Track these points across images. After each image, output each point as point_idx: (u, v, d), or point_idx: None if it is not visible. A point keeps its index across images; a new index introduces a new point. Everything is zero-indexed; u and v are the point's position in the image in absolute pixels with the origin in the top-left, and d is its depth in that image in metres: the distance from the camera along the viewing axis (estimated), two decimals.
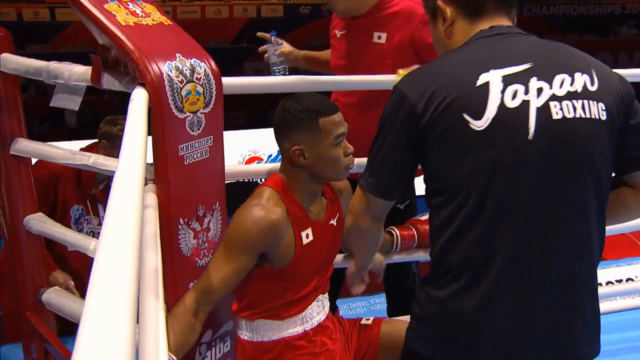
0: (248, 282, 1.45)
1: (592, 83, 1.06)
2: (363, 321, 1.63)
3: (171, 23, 1.50)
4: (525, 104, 1.01)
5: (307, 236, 1.44)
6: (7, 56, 1.75)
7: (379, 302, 2.59)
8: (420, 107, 1.04)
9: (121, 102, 1.48)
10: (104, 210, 2.33)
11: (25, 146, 1.82)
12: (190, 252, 1.47)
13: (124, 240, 0.68)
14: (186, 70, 1.37)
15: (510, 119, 1.01)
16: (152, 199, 1.36)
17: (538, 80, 1.03)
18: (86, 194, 2.34)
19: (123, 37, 1.34)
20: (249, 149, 5.02)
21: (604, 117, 1.05)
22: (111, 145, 2.22)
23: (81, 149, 2.22)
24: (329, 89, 1.77)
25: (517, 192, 1.02)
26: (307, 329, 1.51)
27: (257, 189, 1.45)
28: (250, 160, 4.90)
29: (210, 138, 1.46)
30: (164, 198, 1.38)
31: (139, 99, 1.24)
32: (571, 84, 1.04)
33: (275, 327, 1.48)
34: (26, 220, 1.90)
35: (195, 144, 1.42)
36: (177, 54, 1.38)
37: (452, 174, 1.05)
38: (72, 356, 0.47)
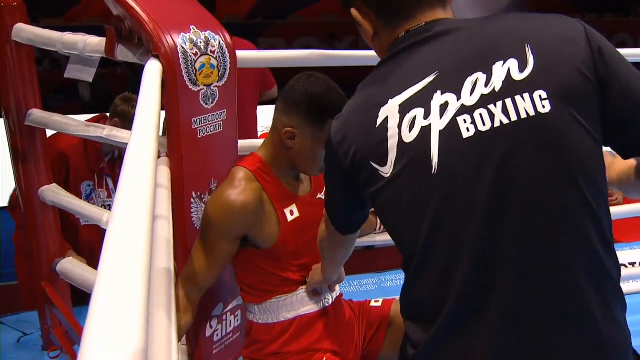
0: (243, 268, 1.43)
1: (522, 67, 0.81)
2: (372, 303, 1.60)
3: None
4: (425, 131, 0.83)
5: (292, 213, 1.39)
6: (20, 26, 1.75)
7: (390, 279, 2.60)
8: (341, 155, 0.92)
9: (134, 75, 1.47)
10: (113, 183, 2.38)
11: (40, 117, 1.83)
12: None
13: (137, 213, 0.68)
14: (200, 42, 1.36)
15: (412, 155, 0.84)
16: (165, 171, 1.36)
17: (442, 93, 0.83)
18: (94, 169, 2.36)
19: (137, 8, 1.33)
20: (262, 125, 5.01)
21: (545, 109, 0.80)
22: (124, 125, 2.22)
23: (87, 121, 2.23)
24: (345, 63, 1.74)
25: (442, 246, 0.85)
26: (326, 305, 1.48)
27: (231, 170, 1.39)
28: (263, 136, 4.89)
29: (224, 112, 1.45)
30: (176, 171, 1.39)
31: (152, 71, 1.24)
32: (486, 84, 0.82)
33: (288, 303, 1.44)
34: (41, 191, 1.91)
35: (208, 117, 1.41)
36: (191, 26, 1.36)
37: (385, 223, 0.94)
38: (86, 325, 0.47)
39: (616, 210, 2.07)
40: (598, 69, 0.83)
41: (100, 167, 2.38)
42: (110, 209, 2.09)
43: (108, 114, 2.34)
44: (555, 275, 0.82)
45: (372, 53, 1.81)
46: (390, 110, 0.86)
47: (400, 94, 0.86)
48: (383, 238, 1.92)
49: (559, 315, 0.83)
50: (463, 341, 0.86)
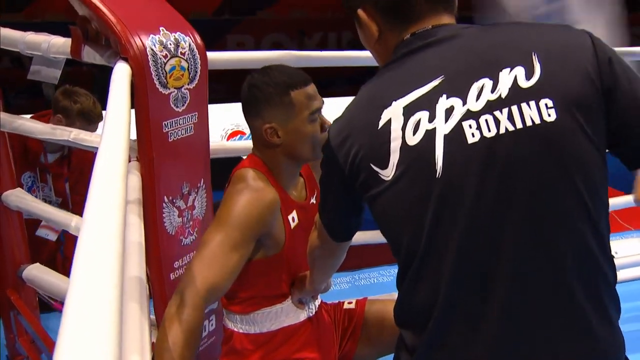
0: (242, 279, 1.31)
1: (529, 76, 0.82)
2: (346, 305, 1.59)
3: None
4: (430, 134, 0.83)
5: (293, 219, 1.36)
6: None
7: (364, 278, 2.61)
8: (340, 157, 0.91)
9: (100, 74, 1.43)
10: (54, 181, 2.33)
11: (2, 120, 1.76)
12: (175, 231, 1.45)
13: (108, 220, 0.66)
14: (170, 44, 1.33)
15: (415, 158, 0.83)
16: (135, 176, 1.33)
17: (448, 97, 0.83)
18: (35, 162, 2.31)
19: (104, 9, 1.30)
20: (232, 123, 4.96)
21: (551, 117, 0.80)
22: (68, 122, 2.17)
23: (32, 117, 2.17)
24: (317, 64, 1.74)
25: (442, 252, 0.84)
26: (310, 315, 1.45)
27: (237, 171, 1.34)
28: (233, 134, 4.85)
29: (195, 114, 1.43)
30: (147, 176, 1.36)
31: (121, 74, 1.20)
32: (493, 90, 0.82)
33: (273, 315, 1.39)
34: (4, 196, 1.86)
35: (179, 121, 1.39)
36: (161, 28, 1.33)
37: (382, 227, 0.93)
38: (59, 336, 0.46)
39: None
40: (604, 79, 0.83)
41: (41, 162, 2.32)
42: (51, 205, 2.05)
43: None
44: (554, 281, 0.83)
45: (343, 53, 1.82)
46: (394, 112, 0.85)
47: (404, 96, 0.85)
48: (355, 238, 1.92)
49: (555, 319, 0.84)
50: (458, 346, 0.86)
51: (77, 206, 2.46)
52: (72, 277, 0.54)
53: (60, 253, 2.55)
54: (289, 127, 1.31)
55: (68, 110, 2.21)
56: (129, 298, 1.00)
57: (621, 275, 2.42)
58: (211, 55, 1.47)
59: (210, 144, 1.52)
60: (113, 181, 0.77)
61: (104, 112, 1.04)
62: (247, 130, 5.05)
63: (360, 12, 0.95)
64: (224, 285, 1.19)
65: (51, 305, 1.99)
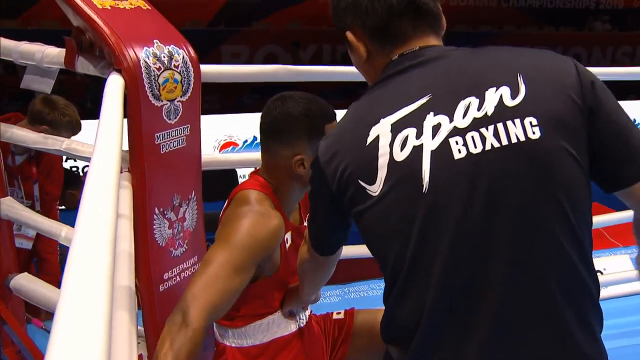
0: (238, 300, 1.26)
1: (514, 95, 0.83)
2: (335, 316, 1.59)
3: (149, 7, 1.46)
4: (417, 150, 0.84)
5: (287, 240, 1.36)
6: None
7: (354, 291, 2.61)
8: (329, 174, 0.92)
9: (94, 83, 1.44)
10: (22, 183, 2.31)
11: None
12: (165, 242, 1.45)
13: (100, 231, 0.67)
14: (164, 57, 1.34)
15: (402, 174, 0.85)
16: (127, 188, 1.33)
17: (435, 115, 0.85)
18: (4, 165, 2.30)
19: (99, 21, 1.30)
20: (225, 134, 4.99)
21: (535, 135, 0.82)
22: (54, 132, 2.15)
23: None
24: (310, 79, 1.75)
25: (428, 268, 0.85)
26: (301, 325, 1.45)
27: (240, 192, 1.32)
28: (226, 145, 4.87)
29: (188, 127, 1.43)
30: (139, 187, 1.36)
31: (114, 86, 1.21)
32: (479, 108, 0.83)
33: (265, 326, 1.39)
34: None
35: (172, 133, 1.39)
36: (154, 40, 1.34)
37: (369, 243, 0.93)
38: (49, 346, 0.46)
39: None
40: (586, 101, 0.85)
41: (9, 164, 2.30)
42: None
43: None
44: (541, 298, 0.84)
45: (336, 68, 1.83)
46: (382, 129, 0.87)
47: (392, 113, 0.87)
48: (345, 251, 1.93)
49: (542, 336, 0.85)
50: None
51: (45, 206, 2.45)
52: (63, 289, 0.54)
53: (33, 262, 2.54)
54: None
55: (56, 122, 2.22)
56: (118, 307, 1.00)
57: (609, 291, 2.45)
58: (205, 68, 1.47)
59: (203, 156, 1.52)
60: (105, 193, 0.78)
61: (96, 121, 1.05)
62: (240, 142, 5.08)
63: (348, 34, 0.97)
64: (224, 308, 1.18)
65: (29, 320, 1.98)
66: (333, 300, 2.54)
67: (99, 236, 0.65)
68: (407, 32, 0.93)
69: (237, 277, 1.18)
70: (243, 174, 4.01)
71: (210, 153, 2.67)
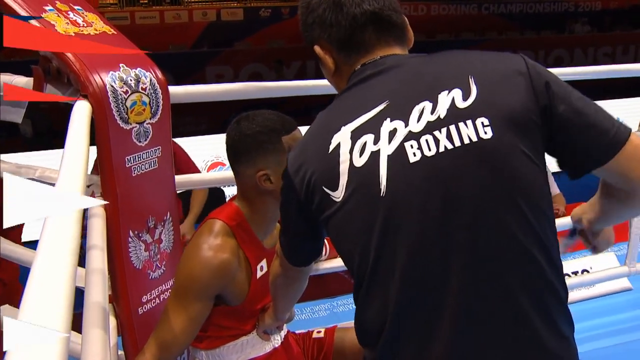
0: (205, 324, 1.32)
1: (466, 97, 0.86)
2: (314, 335, 1.57)
3: (115, 32, 1.48)
4: (374, 155, 0.86)
5: (262, 269, 1.35)
6: None
7: (342, 304, 2.60)
8: (297, 183, 0.94)
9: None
10: None
11: None
12: (142, 265, 1.45)
13: (60, 258, 0.67)
14: (131, 80, 1.35)
15: (362, 179, 0.87)
16: (100, 212, 1.33)
17: (391, 120, 0.87)
18: None
19: None
20: (212, 155, 4.99)
21: (487, 135, 0.84)
22: None
23: None
24: (278, 94, 1.76)
25: (389, 270, 0.86)
26: (275, 345, 1.44)
27: (207, 221, 1.32)
28: (214, 166, 4.87)
29: (159, 148, 1.44)
30: (112, 211, 1.36)
31: (80, 112, 1.22)
32: (432, 111, 0.86)
33: (239, 347, 1.38)
34: None
35: (142, 155, 1.40)
36: (120, 64, 1.35)
37: (338, 249, 0.95)
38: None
39: None
40: (539, 98, 0.87)
41: None
42: None
43: None
44: (502, 297, 0.85)
45: (306, 83, 1.84)
46: (342, 137, 0.89)
47: (352, 121, 0.90)
48: (329, 265, 1.93)
49: (505, 335, 0.85)
50: None
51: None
52: (22, 310, 0.55)
53: None
54: (282, 171, 1.31)
55: None
56: (92, 324, 0.99)
57: (596, 290, 2.46)
58: (173, 89, 1.49)
59: (175, 177, 1.52)
60: (67, 219, 0.78)
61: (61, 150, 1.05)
62: (227, 162, 5.08)
63: (316, 47, 1.00)
64: (176, 345, 1.25)
65: None
66: (321, 314, 2.53)
67: (58, 268, 0.65)
68: (371, 42, 0.96)
69: (181, 316, 1.24)
70: (231, 193, 4.02)
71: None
